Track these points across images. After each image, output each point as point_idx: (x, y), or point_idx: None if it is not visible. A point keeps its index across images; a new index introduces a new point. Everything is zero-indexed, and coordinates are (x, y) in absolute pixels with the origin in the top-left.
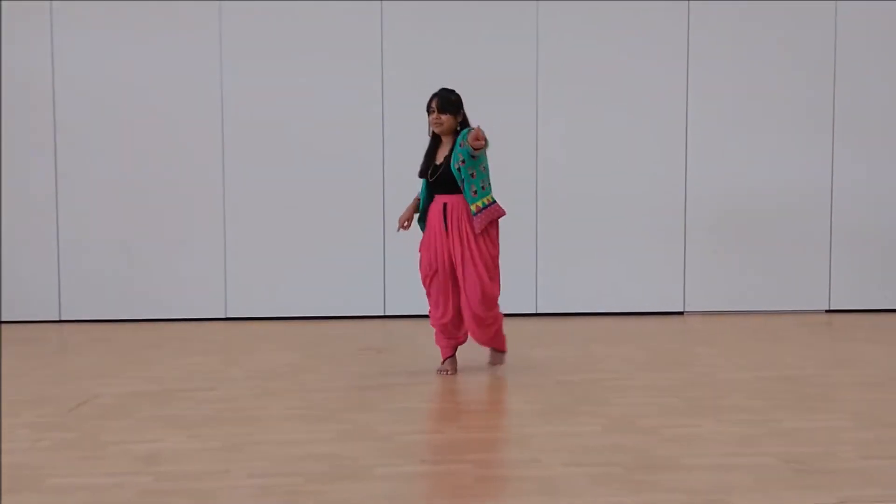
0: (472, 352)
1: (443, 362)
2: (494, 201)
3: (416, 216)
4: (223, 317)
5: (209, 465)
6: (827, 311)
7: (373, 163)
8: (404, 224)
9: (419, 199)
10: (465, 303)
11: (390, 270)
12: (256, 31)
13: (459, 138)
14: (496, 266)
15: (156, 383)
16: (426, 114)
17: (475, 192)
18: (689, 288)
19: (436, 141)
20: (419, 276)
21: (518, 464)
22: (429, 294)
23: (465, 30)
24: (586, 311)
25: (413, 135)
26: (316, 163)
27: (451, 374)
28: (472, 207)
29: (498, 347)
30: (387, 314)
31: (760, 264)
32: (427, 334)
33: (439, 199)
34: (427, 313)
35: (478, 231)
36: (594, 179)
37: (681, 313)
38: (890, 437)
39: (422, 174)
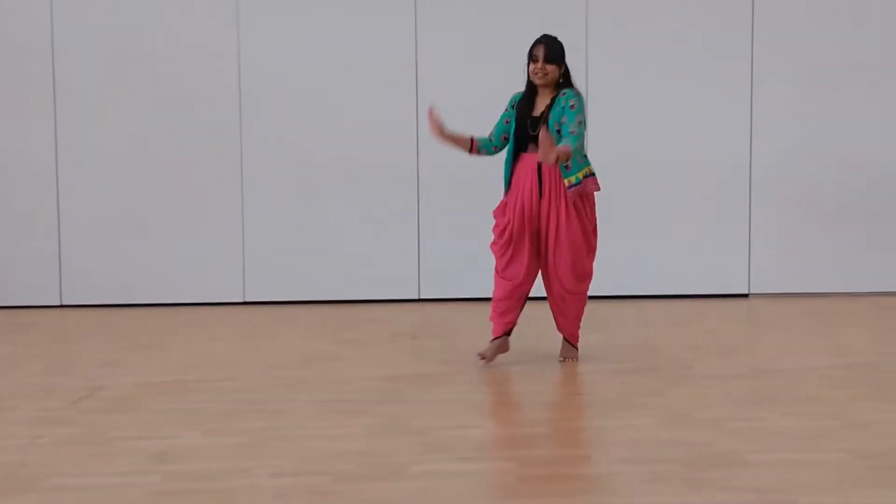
0: (515, 339)
1: (491, 341)
2: (592, 174)
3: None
4: (241, 301)
5: (226, 464)
6: None
7: (406, 134)
8: (438, 128)
9: (471, 140)
10: (553, 276)
11: (425, 250)
12: None
13: (563, 98)
14: (594, 238)
15: (168, 373)
16: (529, 61)
17: (569, 165)
18: (755, 268)
19: (532, 90)
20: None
21: (566, 461)
22: (502, 264)
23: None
24: (642, 293)
25: (450, 101)
26: (344, 133)
27: (489, 361)
28: (566, 182)
29: (572, 338)
30: (421, 297)
31: (834, 241)
32: (466, 319)
33: (534, 158)
34: (466, 296)
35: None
36: (650, 151)
37: (746, 295)
38: None
39: (519, 125)
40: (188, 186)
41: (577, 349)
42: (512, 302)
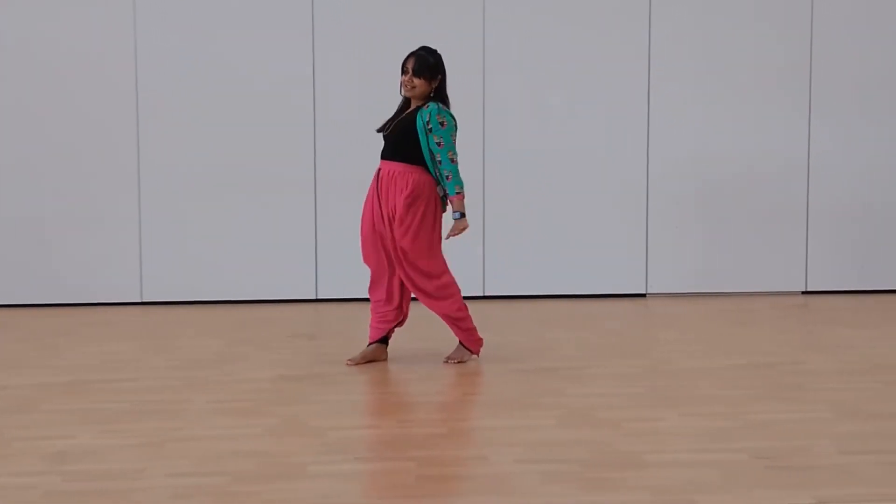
0: (410, 339)
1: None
2: (459, 194)
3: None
4: (139, 301)
5: (125, 464)
6: (803, 293)
7: (303, 134)
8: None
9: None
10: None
11: (323, 250)
12: None
13: (426, 111)
14: (432, 247)
15: (66, 374)
16: (401, 73)
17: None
18: (652, 268)
19: (406, 103)
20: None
21: (464, 461)
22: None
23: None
24: (539, 293)
25: (347, 106)
26: (241, 133)
27: (355, 364)
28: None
29: (461, 339)
30: (319, 297)
31: (730, 242)
32: (363, 319)
33: (381, 164)
34: (362, 297)
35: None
36: (549, 152)
37: (643, 295)
38: (871, 430)
39: (381, 127)
40: (85, 189)
41: (471, 352)
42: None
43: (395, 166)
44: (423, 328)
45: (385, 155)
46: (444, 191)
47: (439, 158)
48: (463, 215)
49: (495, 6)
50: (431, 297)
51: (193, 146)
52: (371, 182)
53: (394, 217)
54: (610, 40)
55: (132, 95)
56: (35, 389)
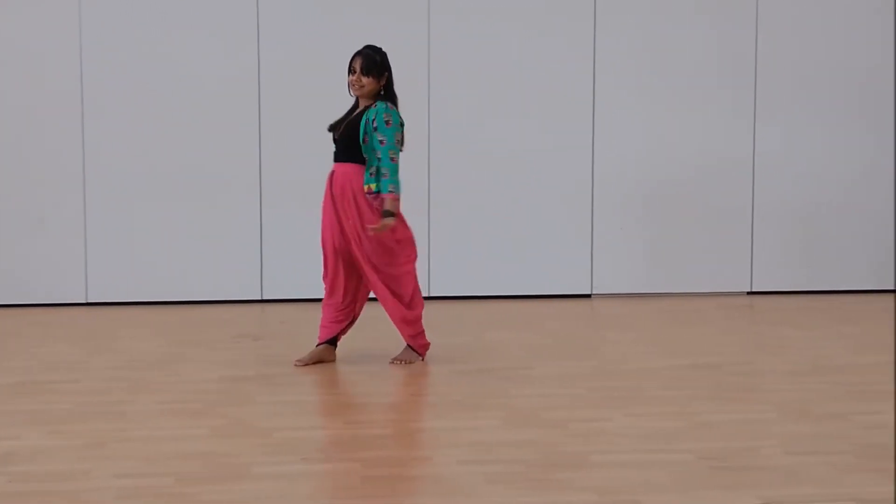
0: (357, 341)
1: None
2: (393, 193)
3: None
4: (84, 301)
5: (71, 465)
6: (749, 293)
7: (248, 135)
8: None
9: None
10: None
11: (268, 250)
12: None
13: (372, 110)
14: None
15: (11, 374)
16: (348, 73)
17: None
18: (598, 268)
19: (357, 103)
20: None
21: (409, 462)
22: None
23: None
24: (484, 294)
25: (291, 104)
26: (186, 134)
27: (303, 364)
28: (366, 188)
29: (410, 343)
30: (264, 298)
31: (676, 243)
32: (309, 320)
33: (334, 166)
34: (309, 297)
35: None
36: (494, 152)
37: (588, 296)
38: (817, 431)
39: (330, 128)
40: (28, 187)
41: (418, 354)
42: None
43: (348, 167)
44: (371, 329)
45: (337, 157)
46: (374, 189)
47: (379, 156)
48: (392, 215)
49: (441, 7)
50: (400, 301)
51: (139, 147)
52: (325, 186)
53: (348, 219)
54: (555, 42)
55: (77, 95)
56: None
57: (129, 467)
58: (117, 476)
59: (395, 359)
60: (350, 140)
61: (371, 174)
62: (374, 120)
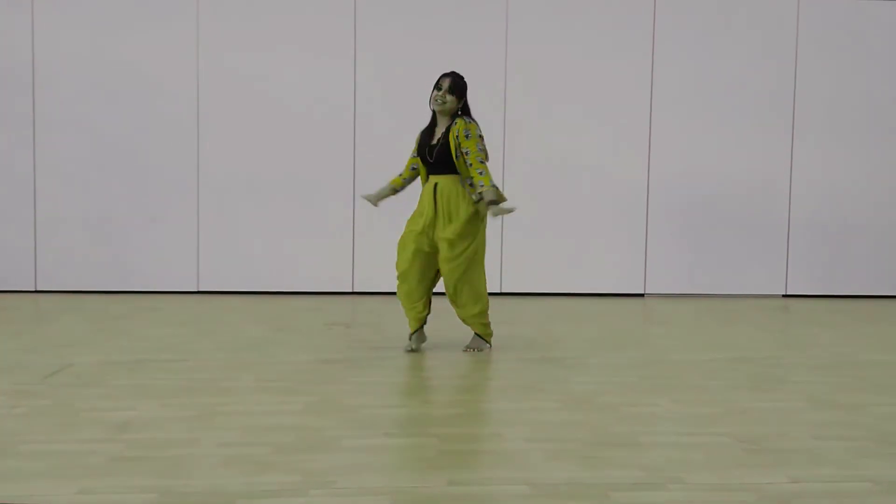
0: (437, 328)
1: (410, 337)
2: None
3: (384, 197)
4: (195, 290)
5: (180, 434)
6: (783, 296)
7: (344, 141)
8: (374, 202)
9: (398, 183)
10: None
11: (360, 248)
12: (231, 18)
13: (455, 126)
14: (481, 257)
15: (129, 353)
16: (433, 89)
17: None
18: (650, 271)
19: (433, 121)
20: (396, 254)
21: (480, 438)
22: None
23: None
24: (550, 291)
25: (384, 118)
26: (289, 140)
27: (415, 350)
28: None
29: (479, 332)
30: (355, 291)
31: (719, 250)
32: (394, 311)
33: (432, 180)
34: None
35: (487, 199)
36: (562, 164)
37: (641, 295)
38: (840, 419)
39: (419, 152)
40: (150, 187)
41: (484, 340)
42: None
43: (448, 179)
44: (440, 323)
45: (435, 170)
46: (476, 187)
47: (469, 162)
48: (497, 201)
49: (516, 31)
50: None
51: (246, 155)
52: (423, 197)
53: (450, 223)
54: (618, 70)
55: (194, 99)
56: (101, 366)
57: (231, 437)
58: (220, 445)
59: (468, 347)
60: (445, 157)
61: (469, 182)
62: (458, 135)
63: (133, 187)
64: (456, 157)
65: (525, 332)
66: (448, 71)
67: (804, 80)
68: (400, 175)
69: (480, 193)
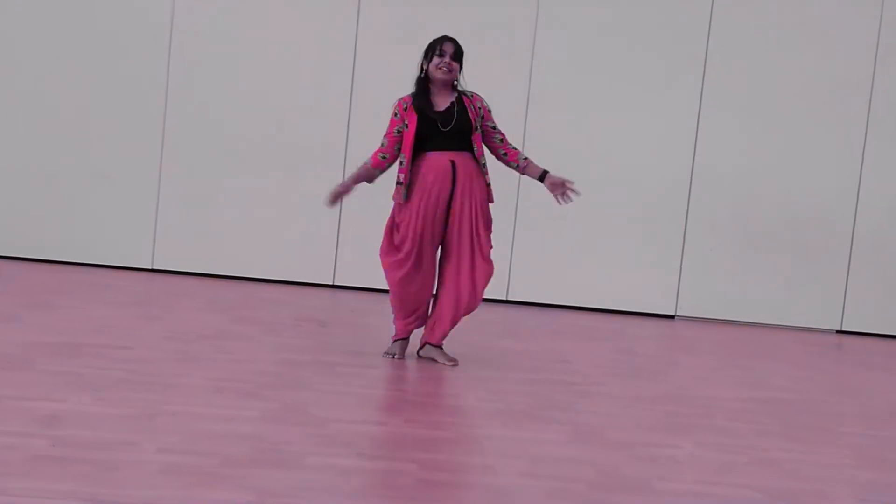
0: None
1: (393, 343)
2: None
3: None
4: (149, 267)
5: (114, 434)
6: (838, 332)
7: (339, 105)
8: (339, 198)
9: (367, 170)
10: (455, 283)
11: (345, 236)
12: None
13: (472, 100)
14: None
15: (63, 334)
16: (432, 55)
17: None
18: (684, 291)
19: (424, 89)
20: (383, 244)
21: (467, 469)
22: (406, 269)
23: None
24: (564, 303)
25: (380, 94)
26: (270, 109)
27: (400, 358)
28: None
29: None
30: (336, 284)
31: (766, 272)
32: (380, 311)
33: (445, 156)
34: (382, 287)
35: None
36: (592, 169)
37: (672, 317)
38: (891, 481)
39: (422, 124)
40: (106, 145)
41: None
42: (416, 312)
43: (466, 156)
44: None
45: (449, 146)
46: (521, 162)
47: (500, 138)
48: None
49: (547, 25)
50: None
51: (221, 119)
52: (433, 175)
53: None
54: (663, 75)
55: (164, 62)
56: (28, 347)
57: (173, 443)
58: (161, 451)
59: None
60: (466, 130)
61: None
62: (481, 109)
63: (84, 138)
64: (475, 129)
65: (530, 349)
66: (444, 35)
67: (883, 78)
68: (381, 155)
69: (545, 170)
